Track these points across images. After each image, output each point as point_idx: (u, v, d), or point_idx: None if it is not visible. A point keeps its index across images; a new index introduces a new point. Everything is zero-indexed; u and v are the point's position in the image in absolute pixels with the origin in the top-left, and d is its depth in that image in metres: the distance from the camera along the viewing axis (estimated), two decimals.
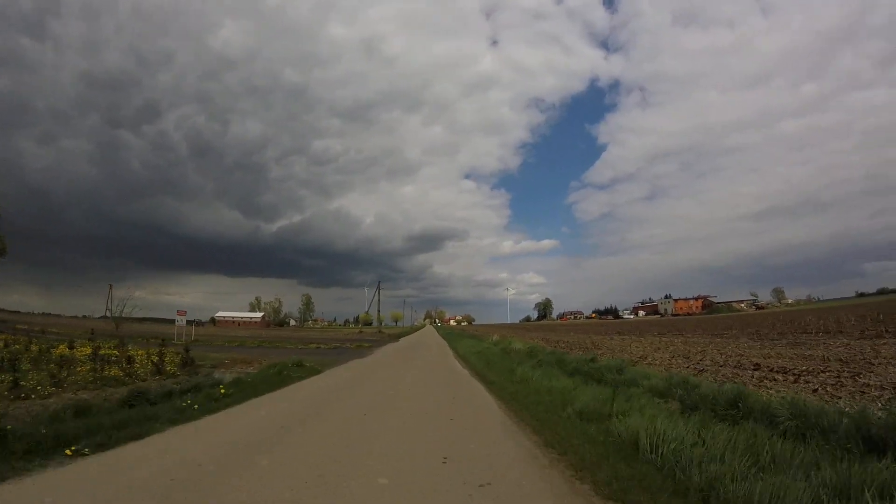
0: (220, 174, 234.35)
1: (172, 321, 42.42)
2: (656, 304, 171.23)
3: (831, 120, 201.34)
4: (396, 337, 47.47)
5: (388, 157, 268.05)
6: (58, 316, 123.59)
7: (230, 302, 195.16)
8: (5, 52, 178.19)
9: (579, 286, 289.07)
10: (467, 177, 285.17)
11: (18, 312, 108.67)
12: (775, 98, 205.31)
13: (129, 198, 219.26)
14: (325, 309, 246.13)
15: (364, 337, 44.90)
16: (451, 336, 50.57)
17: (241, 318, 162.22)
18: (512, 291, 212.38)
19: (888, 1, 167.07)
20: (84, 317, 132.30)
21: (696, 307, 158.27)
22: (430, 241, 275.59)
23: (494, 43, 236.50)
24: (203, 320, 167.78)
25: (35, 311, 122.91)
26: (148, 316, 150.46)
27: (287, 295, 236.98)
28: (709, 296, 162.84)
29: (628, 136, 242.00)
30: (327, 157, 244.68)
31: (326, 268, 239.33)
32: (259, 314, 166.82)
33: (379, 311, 62.86)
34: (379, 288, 64.78)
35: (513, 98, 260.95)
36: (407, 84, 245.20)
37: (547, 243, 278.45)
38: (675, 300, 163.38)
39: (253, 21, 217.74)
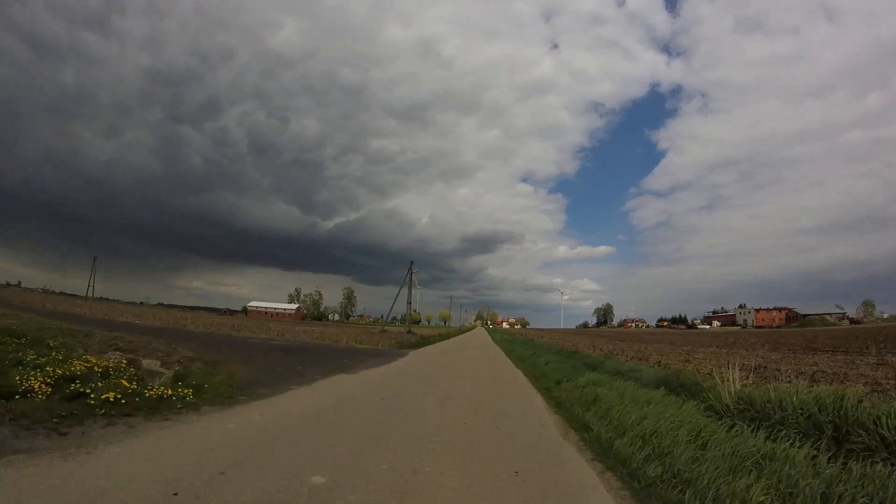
0: (277, 170, 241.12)
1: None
2: (734, 315, 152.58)
3: None
4: (415, 345, 27.91)
5: (443, 158, 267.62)
6: (116, 301, 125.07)
7: (285, 295, 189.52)
8: (72, 46, 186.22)
9: (633, 294, 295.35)
10: (523, 180, 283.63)
11: (76, 296, 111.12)
12: (838, 108, 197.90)
13: (188, 191, 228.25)
14: (378, 306, 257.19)
15: (363, 341, 28.36)
16: (516, 345, 33.26)
17: (275, 309, 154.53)
18: (566, 296, 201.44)
19: None
20: (141, 303, 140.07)
21: (780, 319, 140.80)
22: (484, 244, 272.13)
23: (554, 46, 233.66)
24: (235, 309, 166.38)
25: (94, 296, 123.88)
26: (204, 305, 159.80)
27: (340, 290, 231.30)
28: (792, 307, 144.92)
29: (688, 143, 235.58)
30: (383, 157, 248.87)
31: (379, 266, 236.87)
32: (294, 306, 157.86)
33: (409, 302, 50.99)
34: (410, 273, 49.53)
35: (571, 102, 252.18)
36: (463, 86, 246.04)
37: (602, 249, 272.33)
38: (757, 311, 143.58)
39: (311, 20, 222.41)
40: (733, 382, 8.59)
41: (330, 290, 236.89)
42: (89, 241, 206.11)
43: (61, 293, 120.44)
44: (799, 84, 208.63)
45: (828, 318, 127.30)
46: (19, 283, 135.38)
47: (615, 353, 26.21)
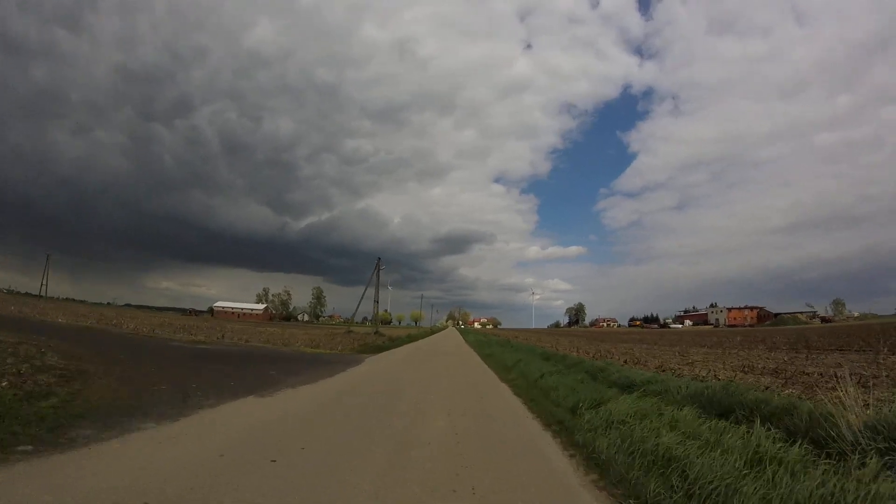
0: (250, 170, 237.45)
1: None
2: (705, 314, 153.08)
3: (865, 133, 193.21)
4: (378, 349, 23.92)
5: (418, 158, 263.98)
6: (82, 302, 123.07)
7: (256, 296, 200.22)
8: (42, 43, 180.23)
9: (605, 294, 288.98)
10: (497, 181, 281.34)
11: (42, 297, 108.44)
12: (809, 109, 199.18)
13: (159, 191, 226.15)
14: (351, 307, 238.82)
15: (321, 344, 24.17)
16: (493, 347, 29.62)
17: (242, 309, 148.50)
18: (537, 296, 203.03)
19: None
20: (108, 304, 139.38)
21: (752, 318, 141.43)
22: (456, 244, 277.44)
23: (528, 46, 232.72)
24: (201, 310, 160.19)
25: (60, 297, 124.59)
26: (174, 306, 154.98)
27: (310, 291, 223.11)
28: (763, 307, 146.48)
29: (659, 145, 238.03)
30: (357, 157, 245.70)
31: (353, 266, 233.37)
32: (261, 306, 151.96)
33: (377, 301, 46.89)
34: (378, 270, 45.04)
35: (546, 103, 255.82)
36: (439, 86, 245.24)
37: (574, 250, 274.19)
38: (729, 310, 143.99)
39: (287, 20, 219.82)
40: (855, 402, 5.26)
41: (302, 291, 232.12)
42: (58, 241, 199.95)
43: (26, 293, 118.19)
44: (770, 85, 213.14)
45: (799, 316, 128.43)
46: None
47: (604, 355, 23.15)
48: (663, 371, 15.29)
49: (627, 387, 10.08)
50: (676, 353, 25.63)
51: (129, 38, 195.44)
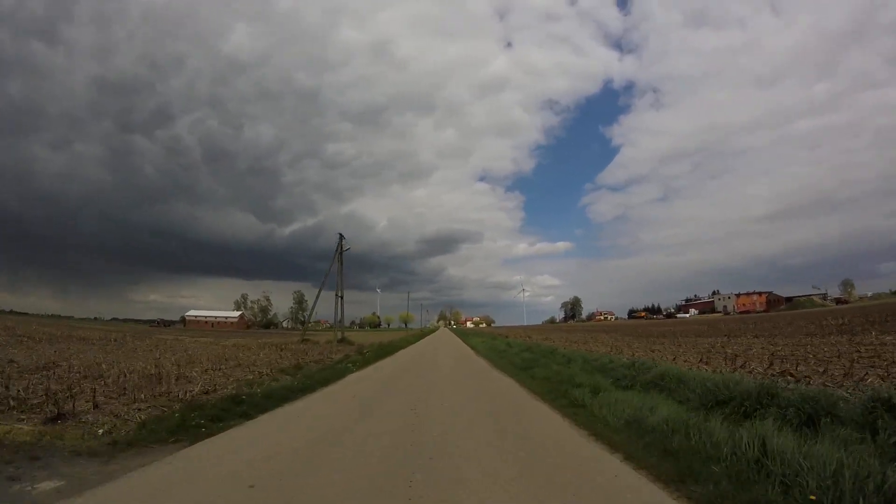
0: (233, 178, 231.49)
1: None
2: (711, 302, 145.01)
3: (844, 119, 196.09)
4: (322, 381, 12.47)
5: (400, 160, 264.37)
6: (69, 318, 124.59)
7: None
8: (18, 56, 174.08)
9: (593, 287, 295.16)
10: (481, 179, 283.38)
11: (27, 314, 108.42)
12: (787, 98, 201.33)
13: (142, 202, 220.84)
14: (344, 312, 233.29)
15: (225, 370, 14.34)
16: (512, 356, 20.83)
17: (216, 317, 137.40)
18: (527, 293, 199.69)
19: None
20: (95, 318, 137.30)
21: (761, 303, 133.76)
22: (443, 244, 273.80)
23: (507, 45, 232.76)
24: (172, 319, 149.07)
25: (46, 313, 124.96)
26: (160, 318, 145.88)
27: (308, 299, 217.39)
28: (771, 291, 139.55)
29: (641, 138, 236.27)
30: (340, 161, 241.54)
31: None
32: (236, 313, 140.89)
33: (341, 296, 35.25)
34: (340, 249, 34.43)
35: (526, 100, 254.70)
36: (419, 87, 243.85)
37: (561, 245, 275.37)
38: (737, 295, 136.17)
39: (264, 25, 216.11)
40: None
41: (288, 298, 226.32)
42: (43, 257, 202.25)
43: (10, 311, 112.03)
44: (747, 75, 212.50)
45: (815, 299, 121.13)
46: None
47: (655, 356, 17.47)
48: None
49: None
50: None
51: (106, 48, 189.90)
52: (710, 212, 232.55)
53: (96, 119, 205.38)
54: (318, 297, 35.85)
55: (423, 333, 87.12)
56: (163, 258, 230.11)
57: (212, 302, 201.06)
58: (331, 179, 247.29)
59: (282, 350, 25.37)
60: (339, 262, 34.53)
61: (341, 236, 35.68)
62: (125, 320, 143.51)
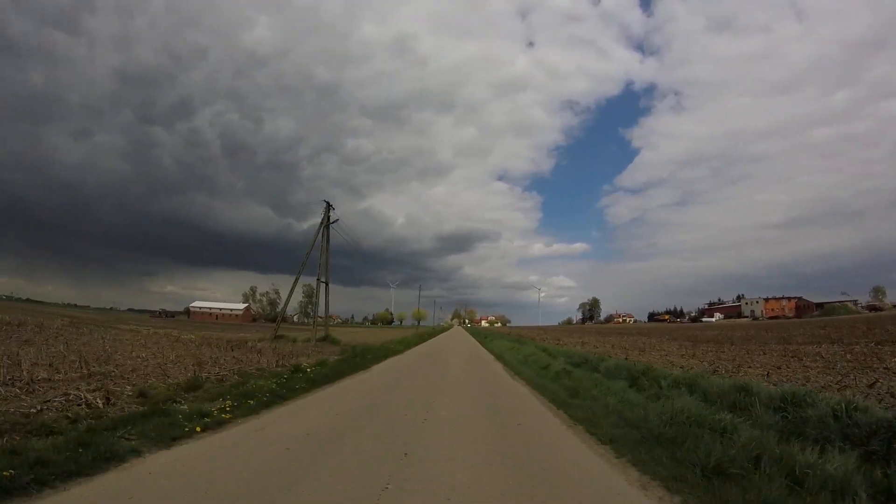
0: (251, 172, 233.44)
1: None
2: (737, 306, 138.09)
3: (862, 129, 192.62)
4: (259, 402, 8.67)
5: (419, 157, 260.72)
6: (85, 307, 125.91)
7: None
8: (40, 46, 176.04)
9: (608, 290, 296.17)
10: (499, 178, 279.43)
11: (42, 303, 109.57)
12: (806, 105, 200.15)
13: (160, 194, 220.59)
14: (355, 307, 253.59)
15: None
16: (565, 380, 12.77)
17: (221, 309, 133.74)
18: (543, 293, 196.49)
19: None
20: (111, 309, 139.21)
21: (790, 308, 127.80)
22: (460, 243, 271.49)
23: (529, 44, 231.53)
24: (177, 310, 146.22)
25: (61, 302, 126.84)
26: (162, 309, 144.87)
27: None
28: (801, 296, 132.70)
29: (661, 141, 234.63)
30: (358, 157, 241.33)
31: (355, 267, 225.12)
32: (242, 306, 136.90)
33: (325, 282, 29.92)
34: (327, 220, 28.95)
35: (546, 100, 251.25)
36: (439, 84, 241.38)
37: (577, 247, 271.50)
38: (766, 300, 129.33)
39: (285, 18, 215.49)
40: None
41: (275, 285, 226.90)
42: (61, 247, 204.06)
43: (27, 300, 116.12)
44: (769, 82, 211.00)
45: (849, 305, 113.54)
46: None
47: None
48: None
49: None
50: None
51: (127, 38, 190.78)
52: (726, 217, 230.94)
53: (116, 110, 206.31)
54: (296, 282, 30.06)
55: (434, 332, 79.73)
56: (180, 250, 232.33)
57: (227, 294, 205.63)
58: (349, 175, 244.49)
59: (249, 350, 20.27)
60: (324, 239, 28.93)
61: (328, 205, 29.84)
62: (141, 311, 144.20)
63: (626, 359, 17.28)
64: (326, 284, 29.47)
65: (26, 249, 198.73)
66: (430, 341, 44.13)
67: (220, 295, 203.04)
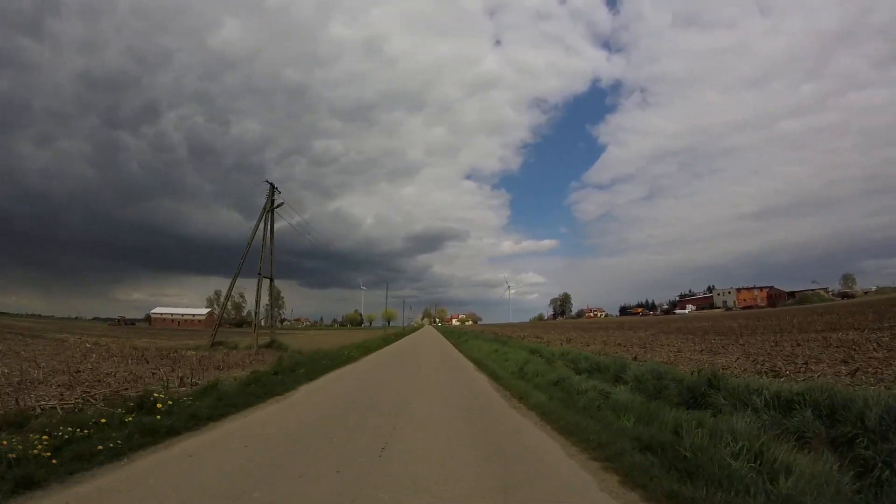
0: (219, 175, 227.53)
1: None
2: (710, 297, 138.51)
3: (830, 120, 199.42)
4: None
5: (389, 157, 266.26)
6: (49, 317, 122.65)
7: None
8: (3, 51, 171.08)
9: (579, 286, 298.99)
10: (468, 177, 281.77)
11: (5, 314, 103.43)
12: (774, 99, 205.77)
13: (127, 199, 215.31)
14: (324, 309, 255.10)
15: None
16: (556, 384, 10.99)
17: (183, 315, 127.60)
18: (513, 290, 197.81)
19: (887, 2, 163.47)
20: (76, 318, 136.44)
21: (762, 298, 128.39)
22: (430, 242, 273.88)
23: (497, 43, 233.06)
24: (137, 318, 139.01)
25: (25, 313, 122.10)
26: (121, 316, 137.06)
27: (286, 296, 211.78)
28: (772, 285, 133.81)
29: (628, 137, 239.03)
30: (328, 158, 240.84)
31: (326, 269, 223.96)
32: (205, 311, 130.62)
33: (270, 279, 25.72)
34: (271, 203, 24.96)
35: (515, 98, 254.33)
36: (409, 84, 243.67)
37: (547, 243, 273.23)
38: (738, 290, 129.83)
39: (254, 20, 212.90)
40: None
41: (239, 289, 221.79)
42: (26, 255, 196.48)
43: None
44: (736, 76, 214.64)
45: (822, 293, 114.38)
46: None
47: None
48: None
49: None
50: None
51: (93, 42, 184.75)
52: (696, 211, 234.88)
53: (82, 115, 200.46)
54: (234, 279, 25.23)
55: (403, 333, 75.37)
56: (148, 256, 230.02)
57: (195, 300, 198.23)
58: (319, 176, 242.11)
59: (174, 360, 16.53)
60: (266, 227, 24.66)
61: (272, 187, 25.74)
62: (106, 319, 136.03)
63: (636, 359, 14.03)
64: (271, 281, 25.44)
65: None
66: (395, 343, 40.10)
67: (188, 300, 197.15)
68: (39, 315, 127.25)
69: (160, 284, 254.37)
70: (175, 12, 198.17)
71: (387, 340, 40.49)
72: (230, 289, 27.04)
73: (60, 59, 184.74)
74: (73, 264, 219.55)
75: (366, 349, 26.89)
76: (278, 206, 25.49)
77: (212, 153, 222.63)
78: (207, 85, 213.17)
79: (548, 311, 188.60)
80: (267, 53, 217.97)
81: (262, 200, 25.45)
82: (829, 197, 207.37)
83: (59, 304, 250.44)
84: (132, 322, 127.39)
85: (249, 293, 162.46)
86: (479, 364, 19.27)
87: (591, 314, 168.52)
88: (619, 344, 23.24)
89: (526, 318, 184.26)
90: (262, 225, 25.33)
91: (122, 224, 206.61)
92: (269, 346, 23.94)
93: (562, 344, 24.49)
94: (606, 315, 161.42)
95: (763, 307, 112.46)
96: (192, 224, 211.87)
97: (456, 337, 49.05)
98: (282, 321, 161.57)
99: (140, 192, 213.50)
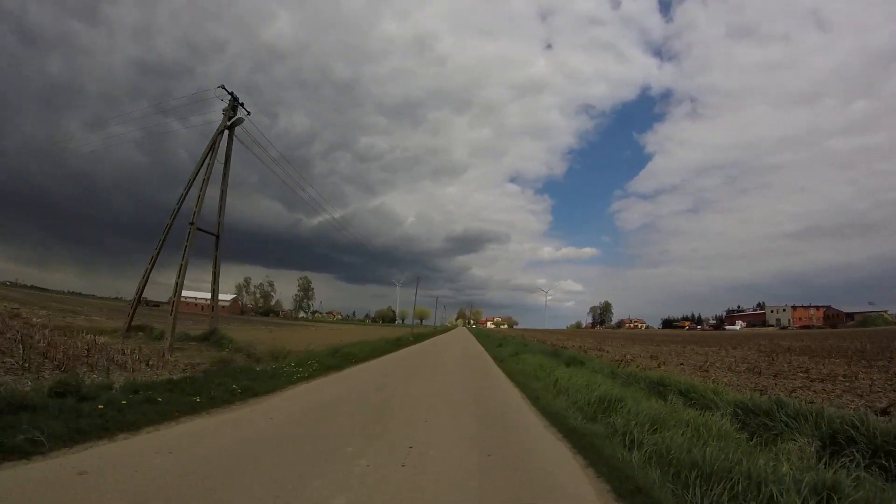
0: (263, 166, 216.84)
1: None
2: (763, 314, 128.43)
3: (880, 140, 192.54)
4: None
5: (433, 156, 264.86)
6: (91, 296, 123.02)
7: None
8: (59, 35, 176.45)
9: (617, 295, 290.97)
10: (512, 180, 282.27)
11: (45, 290, 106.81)
12: (825, 116, 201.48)
13: (173, 186, 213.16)
14: (359, 304, 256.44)
15: None
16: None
17: (206, 300, 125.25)
18: (550, 297, 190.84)
19: None
20: (115, 298, 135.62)
21: (818, 318, 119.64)
22: (470, 243, 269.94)
23: (548, 46, 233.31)
24: (159, 301, 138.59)
25: (68, 290, 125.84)
26: (145, 298, 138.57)
27: (322, 289, 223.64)
28: (829, 305, 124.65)
29: (675, 147, 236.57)
30: (373, 154, 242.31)
31: (364, 264, 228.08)
32: (230, 297, 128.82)
33: (216, 262, 20.42)
34: (228, 123, 18.83)
35: (563, 103, 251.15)
36: (457, 84, 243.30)
37: (587, 251, 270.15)
38: (794, 308, 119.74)
39: (306, 13, 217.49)
40: None
41: (269, 277, 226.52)
42: (72, 235, 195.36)
43: (32, 287, 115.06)
44: (787, 91, 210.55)
45: (886, 316, 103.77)
46: None
47: None
48: None
49: None
50: None
51: (147, 29, 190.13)
52: (739, 227, 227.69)
53: (133, 100, 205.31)
54: (165, 233, 21.29)
55: (433, 333, 63.95)
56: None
57: (232, 288, 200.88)
58: (363, 172, 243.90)
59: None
60: (213, 155, 19.67)
61: (234, 98, 19.93)
62: (145, 301, 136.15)
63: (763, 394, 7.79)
64: (217, 238, 20.13)
65: (38, 237, 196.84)
66: (417, 345, 32.75)
67: (227, 287, 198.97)
68: (80, 293, 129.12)
69: (201, 270, 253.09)
70: (229, 2, 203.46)
71: (398, 344, 30.69)
72: (153, 262, 21.37)
73: (115, 45, 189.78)
74: (117, 247, 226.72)
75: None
76: (235, 123, 19.81)
77: (257, 144, 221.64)
78: (257, 76, 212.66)
79: (586, 319, 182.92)
80: (317, 47, 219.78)
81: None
82: (877, 219, 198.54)
83: (102, 283, 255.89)
84: (157, 304, 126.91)
85: (280, 283, 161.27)
86: (531, 396, 10.40)
87: (631, 325, 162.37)
88: (711, 365, 16.89)
89: (562, 325, 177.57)
90: (215, 157, 20.00)
91: (167, 209, 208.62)
92: (207, 339, 18.82)
93: (640, 361, 17.88)
94: (647, 327, 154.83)
95: (821, 327, 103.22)
96: (235, 213, 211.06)
97: (495, 344, 34.92)
98: (313, 312, 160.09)
99: (185, 179, 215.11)
